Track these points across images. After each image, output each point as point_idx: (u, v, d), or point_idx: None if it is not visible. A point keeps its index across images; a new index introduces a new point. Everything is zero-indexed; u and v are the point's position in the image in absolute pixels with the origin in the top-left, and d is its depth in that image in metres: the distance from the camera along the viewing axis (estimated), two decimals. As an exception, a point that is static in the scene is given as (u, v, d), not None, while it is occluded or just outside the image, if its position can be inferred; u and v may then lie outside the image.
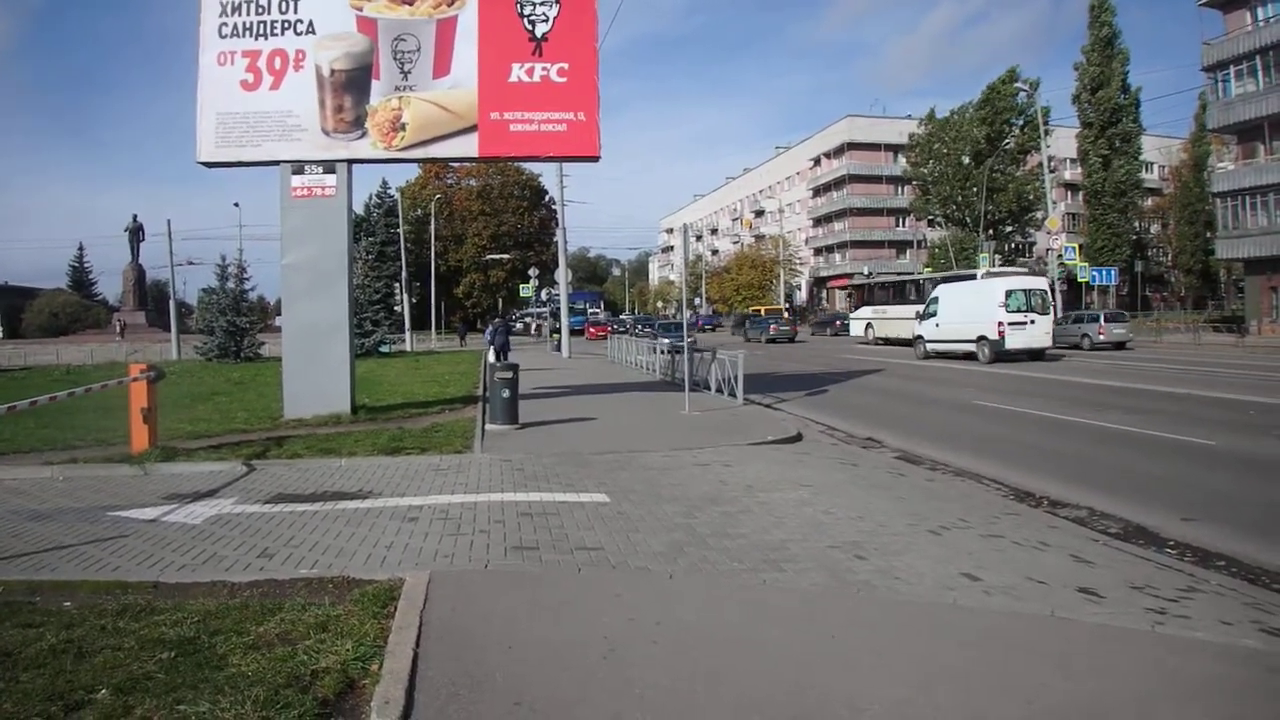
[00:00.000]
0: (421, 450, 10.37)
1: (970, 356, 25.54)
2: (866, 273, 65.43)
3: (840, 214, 76.85)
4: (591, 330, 55.04)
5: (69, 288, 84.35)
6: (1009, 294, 25.50)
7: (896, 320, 35.51)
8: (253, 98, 12.98)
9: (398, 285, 46.64)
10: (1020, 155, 55.83)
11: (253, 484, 8.59)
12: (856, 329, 40.58)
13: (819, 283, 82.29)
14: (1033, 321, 24.94)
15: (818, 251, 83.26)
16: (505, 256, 68.12)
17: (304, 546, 6.32)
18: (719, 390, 16.72)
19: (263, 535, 6.62)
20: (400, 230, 49.07)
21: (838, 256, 78.89)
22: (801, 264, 79.23)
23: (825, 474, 9.15)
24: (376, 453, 10.18)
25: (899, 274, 58.70)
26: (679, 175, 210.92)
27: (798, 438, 11.84)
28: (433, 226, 59.20)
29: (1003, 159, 55.16)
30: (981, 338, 25.31)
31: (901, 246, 75.15)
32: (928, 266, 58.30)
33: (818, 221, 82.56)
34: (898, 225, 76.12)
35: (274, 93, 13.00)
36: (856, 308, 42.74)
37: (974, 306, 25.81)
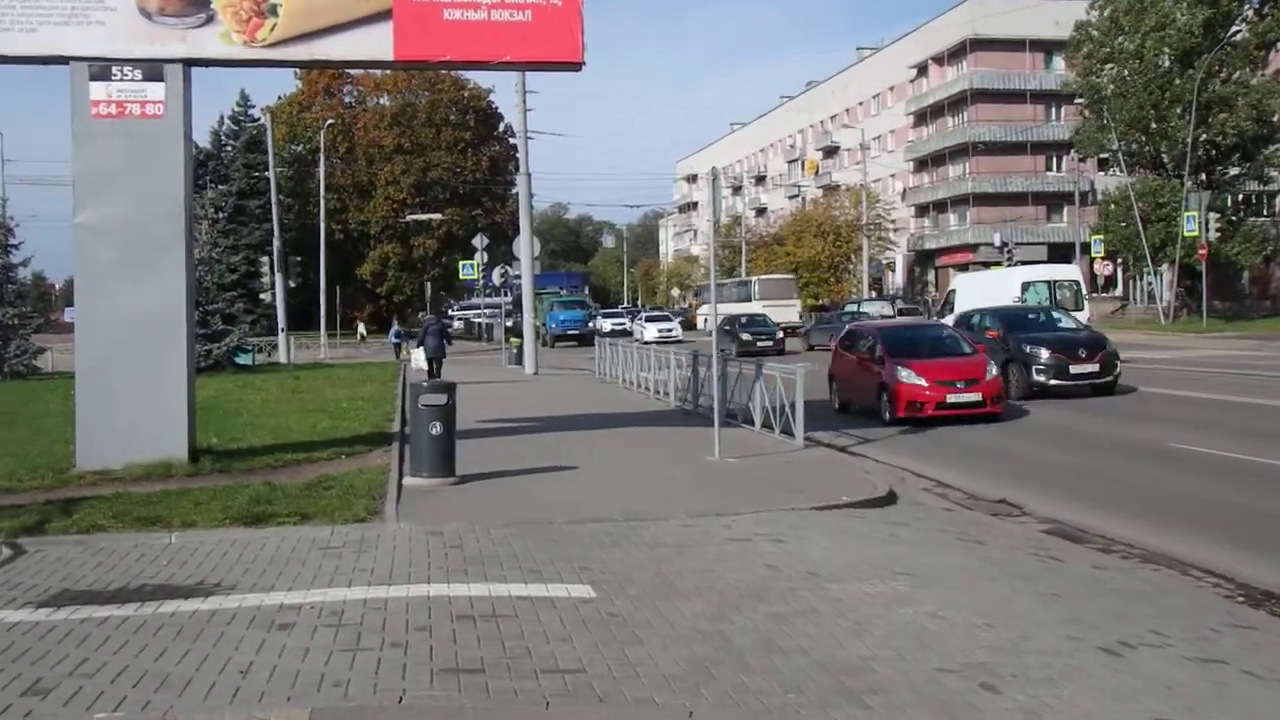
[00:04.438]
0: (301, 518, 10.35)
1: None
2: (999, 243, 65.55)
3: (958, 152, 77.25)
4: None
5: None
6: (1026, 287, 30.61)
7: None
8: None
9: (266, 261, 46.80)
10: (1259, 51, 55.48)
11: (20, 575, 8.53)
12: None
13: (922, 259, 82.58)
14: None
15: (921, 211, 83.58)
16: (437, 217, 68.51)
17: (103, 676, 6.22)
18: (766, 424, 16.77)
19: (32, 660, 6.51)
20: (271, 175, 49.22)
21: (953, 218, 79.22)
22: (895, 229, 79.48)
23: (933, 555, 9.09)
24: (229, 522, 10.14)
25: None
26: (704, 96, 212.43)
27: (890, 498, 11.83)
28: (322, 169, 59.52)
29: (1229, 59, 54.83)
30: None
31: (1055, 202, 75.45)
32: (1097, 233, 58.43)
33: (922, 164, 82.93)
34: (1049, 168, 76.41)
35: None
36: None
37: (989, 302, 29.58)
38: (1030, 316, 24.19)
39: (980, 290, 33.08)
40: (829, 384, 21.50)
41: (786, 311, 56.78)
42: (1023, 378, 21.33)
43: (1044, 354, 21.40)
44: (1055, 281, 31.72)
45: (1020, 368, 21.49)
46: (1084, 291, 31.46)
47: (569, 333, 57.71)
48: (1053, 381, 21.18)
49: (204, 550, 9.23)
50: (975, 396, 18.20)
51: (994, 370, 18.98)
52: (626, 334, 58.12)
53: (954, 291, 34.86)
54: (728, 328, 43.09)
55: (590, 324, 60.35)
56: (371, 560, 8.79)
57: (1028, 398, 20.93)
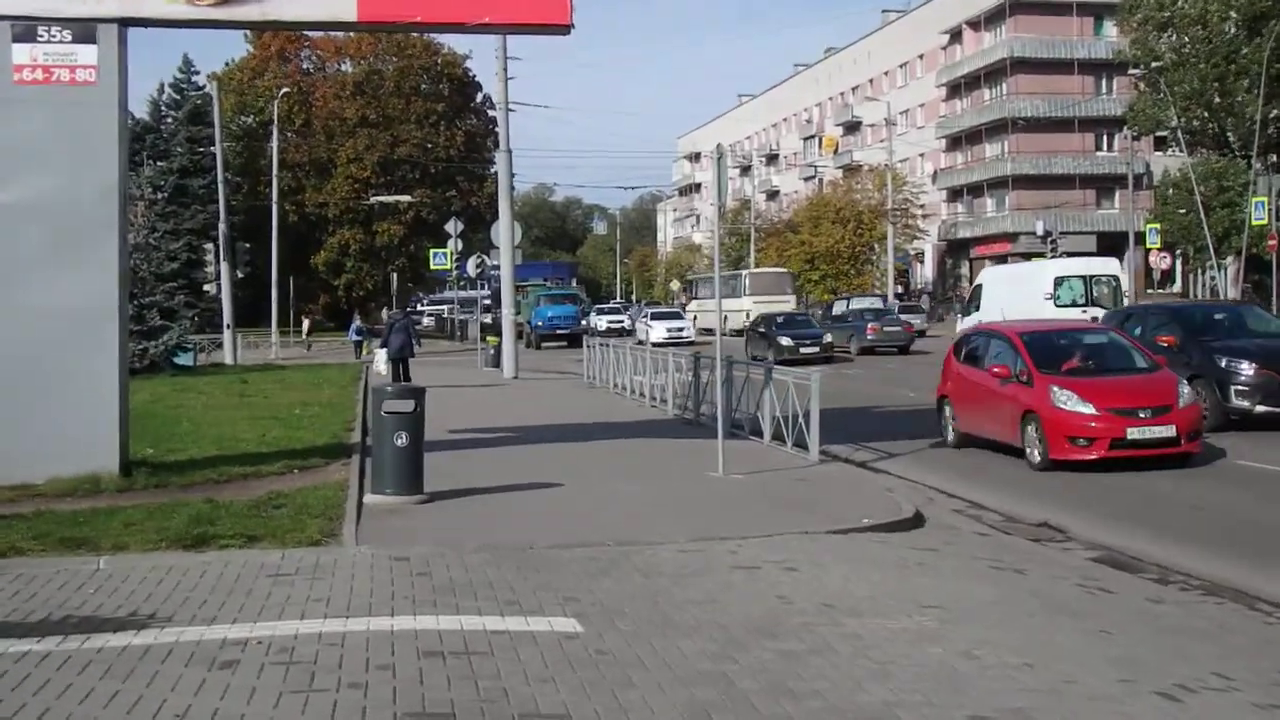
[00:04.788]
0: (248, 540, 10.33)
1: None
2: (1041, 232, 65.62)
3: (996, 128, 77.49)
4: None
5: None
6: (1059, 282, 31.00)
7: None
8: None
9: (211, 248, 46.74)
10: None
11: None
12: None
13: (954, 249, 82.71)
14: (1095, 319, 27.60)
15: (954, 195, 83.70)
16: (405, 199, 68.44)
17: None
18: (776, 437, 16.77)
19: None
20: (217, 150, 49.22)
21: (989, 203, 79.42)
22: (924, 216, 79.59)
23: (965, 586, 9.10)
24: (166, 545, 10.11)
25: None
26: (709, 64, 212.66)
27: (916, 521, 11.84)
28: (275, 144, 59.53)
29: None
30: None
31: (1105, 185, 75.61)
32: (1153, 221, 58.48)
33: (955, 142, 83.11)
34: (1099, 148, 76.58)
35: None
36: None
37: (1016, 300, 29.82)
38: (1218, 317, 21.17)
39: (1009, 285, 33.73)
40: (938, 410, 18.37)
41: (780, 308, 55.99)
42: (1215, 401, 17.81)
43: (1247, 369, 17.90)
44: (1092, 276, 32.16)
45: (1211, 387, 17.98)
46: (1124, 288, 32.19)
47: (558, 331, 55.41)
48: (1260, 408, 17.62)
49: (137, 577, 9.17)
50: (1166, 431, 14.76)
51: (1187, 392, 15.60)
52: (626, 333, 57.72)
53: (980, 287, 35.38)
54: (761, 330, 41.24)
55: (583, 321, 58.73)
56: (327, 589, 8.75)
57: (1221, 429, 17.42)
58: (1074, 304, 30.88)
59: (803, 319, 45.16)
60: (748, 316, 53.02)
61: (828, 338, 40.86)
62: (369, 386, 23.08)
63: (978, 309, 33.66)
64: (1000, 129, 76.75)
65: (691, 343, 48.19)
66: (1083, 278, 32.11)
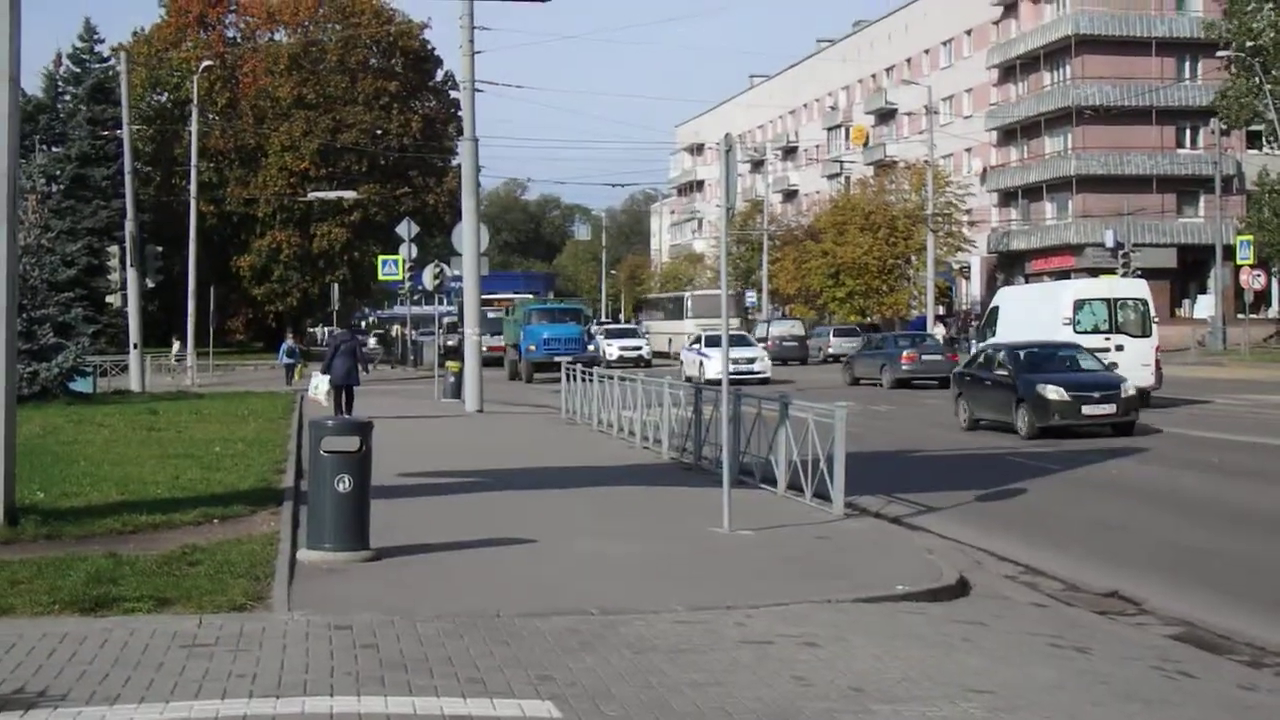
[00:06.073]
0: (158, 604, 10.31)
1: None
2: (1111, 243, 65.80)
3: (1058, 119, 77.83)
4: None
5: None
6: (1079, 305, 32.40)
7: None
8: None
9: (115, 251, 46.67)
10: None
11: None
12: None
13: (1006, 262, 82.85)
14: (1119, 348, 30.68)
15: (1006, 199, 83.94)
16: (349, 196, 68.58)
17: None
18: (793, 486, 16.80)
19: None
20: (124, 135, 49.24)
21: (1049, 208, 79.66)
22: (971, 223, 79.85)
23: (1019, 668, 9.09)
24: (59, 608, 10.10)
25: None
26: (715, 37, 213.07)
27: (961, 588, 11.88)
28: (194, 128, 59.52)
29: None
30: None
31: (1188, 189, 75.81)
32: (1245, 233, 58.64)
33: (1008, 135, 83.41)
34: (1181, 144, 76.85)
35: None
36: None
37: (1033, 324, 31.73)
38: None
39: (1028, 306, 35.42)
40: None
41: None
42: None
43: None
44: (1117, 300, 33.11)
45: None
46: (1152, 313, 33.14)
47: (558, 358, 45.28)
48: None
49: (24, 646, 9.11)
50: None
51: None
52: (644, 363, 57.79)
53: (997, 309, 36.57)
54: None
55: (590, 346, 54.86)
56: (254, 662, 8.71)
57: None
58: (1095, 330, 31.76)
59: (920, 334, 48.22)
60: (689, 339, 57.32)
61: (939, 355, 44.13)
62: (304, 419, 23.04)
63: (994, 333, 34.67)
64: (1063, 120, 76.98)
65: (648, 364, 52.28)
66: (1106, 301, 33.02)
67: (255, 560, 12.03)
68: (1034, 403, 25.31)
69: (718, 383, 34.98)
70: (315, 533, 12.38)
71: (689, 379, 39.46)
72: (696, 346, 51.89)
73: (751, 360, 47.74)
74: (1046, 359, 27.69)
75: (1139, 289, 34.50)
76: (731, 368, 45.97)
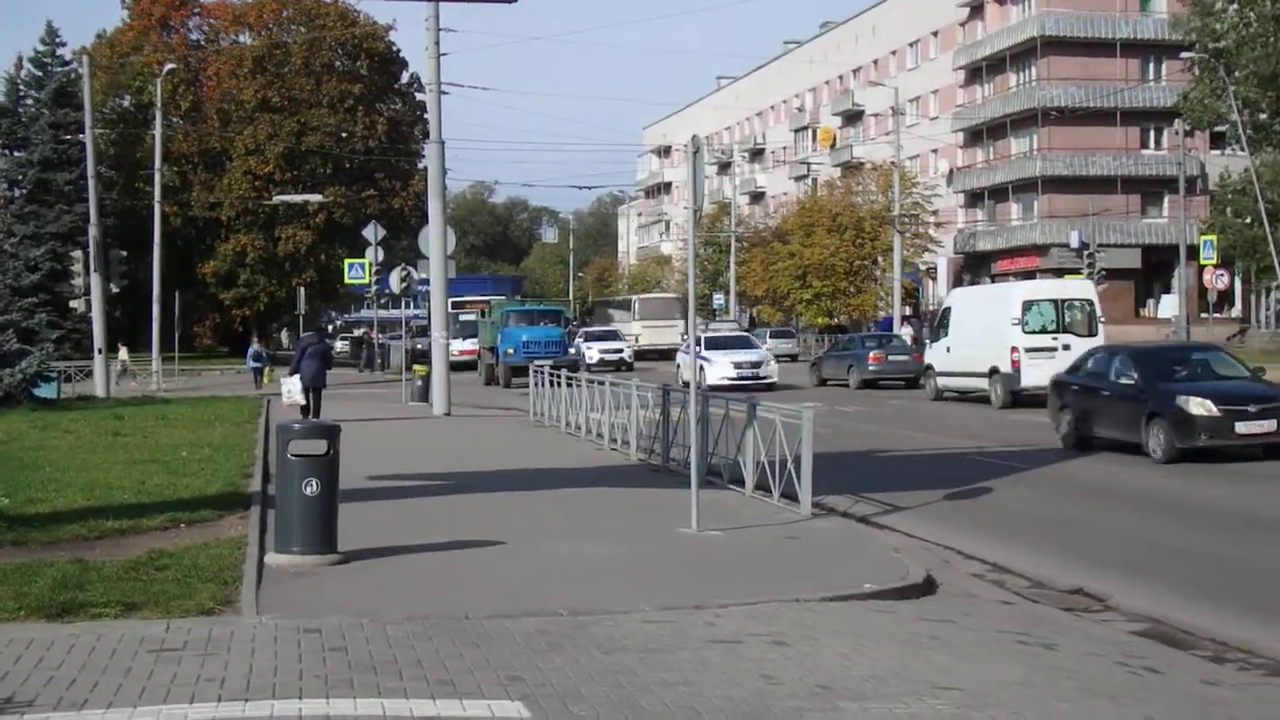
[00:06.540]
0: (125, 609, 10.29)
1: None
2: (1076, 244, 66.14)
3: (1024, 120, 78.18)
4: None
5: None
6: (1028, 306, 33.86)
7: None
8: None
9: (79, 256, 46.42)
10: None
11: None
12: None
13: (973, 263, 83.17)
14: (1066, 347, 31.51)
15: (973, 199, 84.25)
16: (314, 199, 68.34)
17: None
18: (761, 486, 16.85)
19: None
20: (87, 139, 48.97)
21: (1015, 208, 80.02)
22: (938, 224, 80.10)
23: (986, 665, 9.14)
24: (25, 615, 10.09)
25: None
26: (682, 39, 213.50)
27: (928, 586, 11.93)
28: (158, 132, 59.34)
29: None
30: (994, 370, 34.03)
31: (1152, 190, 76.18)
32: (1209, 233, 58.98)
33: (974, 136, 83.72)
34: (1145, 145, 77.25)
35: None
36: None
37: (985, 325, 33.93)
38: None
39: (978, 308, 36.99)
40: None
41: (667, 333, 63.91)
42: None
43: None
44: (1064, 300, 34.61)
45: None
46: (1098, 313, 34.38)
47: (538, 361, 40.01)
48: None
49: (-10, 652, 9.12)
50: None
51: None
52: (627, 366, 57.61)
53: (949, 310, 38.23)
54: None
55: (570, 349, 54.20)
56: (222, 666, 8.70)
57: None
58: (1044, 330, 33.30)
59: (884, 334, 51.37)
60: (636, 340, 62.84)
61: (905, 357, 45.19)
62: (270, 423, 22.98)
63: (946, 333, 36.65)
64: (1028, 121, 77.44)
65: (630, 367, 55.13)
66: (1054, 302, 34.43)
67: (223, 564, 12.01)
68: (1174, 419, 20.87)
69: (723, 389, 35.24)
70: (283, 536, 12.37)
71: (686, 385, 38.52)
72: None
73: (757, 365, 44.69)
74: (1180, 361, 23.68)
75: (1086, 290, 36.21)
76: (736, 374, 44.21)
